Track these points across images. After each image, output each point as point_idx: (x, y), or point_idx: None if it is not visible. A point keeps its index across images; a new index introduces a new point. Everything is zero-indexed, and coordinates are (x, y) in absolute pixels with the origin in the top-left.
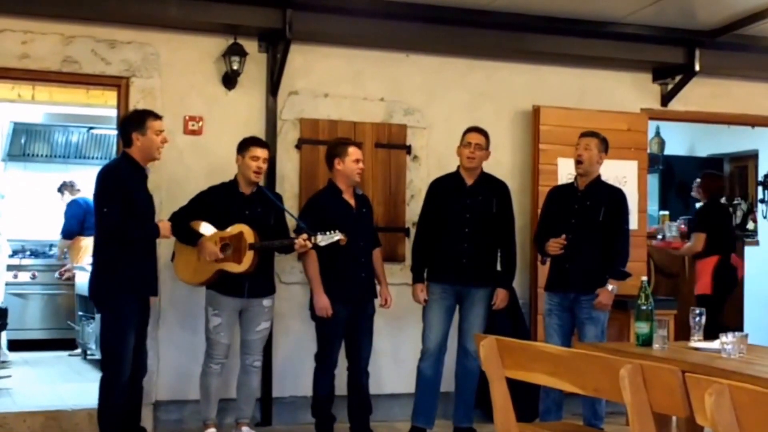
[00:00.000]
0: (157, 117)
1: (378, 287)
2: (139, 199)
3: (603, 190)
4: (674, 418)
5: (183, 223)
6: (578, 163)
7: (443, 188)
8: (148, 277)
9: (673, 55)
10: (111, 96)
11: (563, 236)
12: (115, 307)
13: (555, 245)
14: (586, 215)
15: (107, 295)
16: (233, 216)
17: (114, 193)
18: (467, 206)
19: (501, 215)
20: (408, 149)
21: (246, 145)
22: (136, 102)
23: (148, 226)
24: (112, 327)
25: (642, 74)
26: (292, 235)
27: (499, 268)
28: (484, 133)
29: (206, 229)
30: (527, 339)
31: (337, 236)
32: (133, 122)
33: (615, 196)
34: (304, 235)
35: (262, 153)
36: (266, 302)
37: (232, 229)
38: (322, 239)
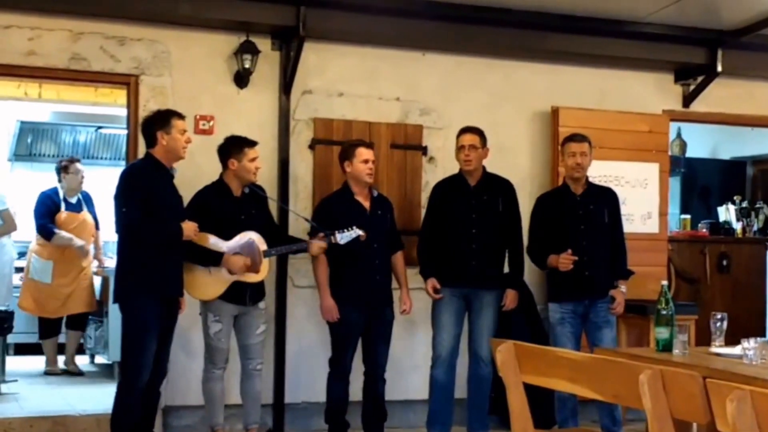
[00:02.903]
0: (181, 116)
1: (399, 292)
2: (161, 200)
3: (600, 192)
4: (694, 425)
5: (191, 242)
6: (576, 169)
7: (447, 191)
8: (171, 278)
9: (695, 56)
10: (120, 94)
11: (569, 251)
12: (135, 309)
13: (566, 261)
14: (594, 220)
15: (126, 297)
16: (228, 220)
17: (133, 193)
18: (472, 207)
19: (507, 214)
20: (424, 150)
21: (239, 146)
22: (146, 101)
23: (169, 227)
24: (131, 329)
25: (663, 75)
26: (304, 236)
27: (506, 268)
28: (477, 132)
29: (216, 244)
30: (546, 345)
31: (356, 232)
32: (157, 122)
33: (613, 197)
34: (321, 235)
35: (257, 152)
36: (262, 305)
37: (240, 238)
38: (341, 237)
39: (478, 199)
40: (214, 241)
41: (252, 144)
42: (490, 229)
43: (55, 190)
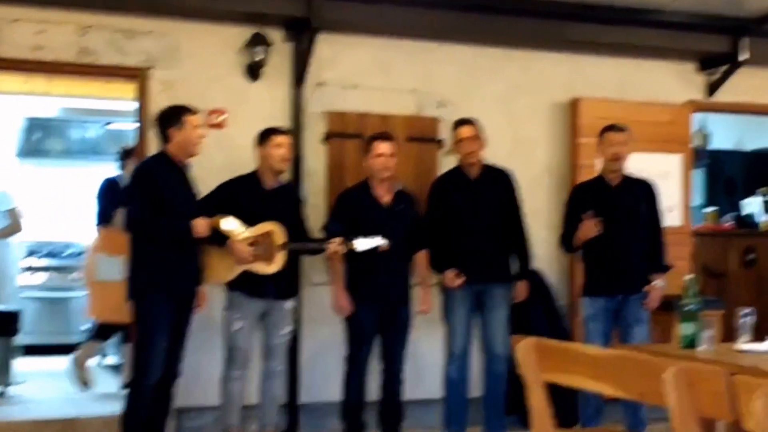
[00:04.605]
0: (194, 112)
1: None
2: (173, 197)
3: (636, 184)
4: (719, 423)
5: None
6: (615, 160)
7: (448, 186)
8: (183, 275)
9: (718, 44)
10: (128, 89)
11: (590, 213)
12: (145, 307)
13: (590, 227)
14: (629, 212)
15: (137, 295)
16: (256, 212)
17: (141, 190)
18: (477, 201)
19: (510, 205)
20: (440, 143)
21: (266, 134)
22: (156, 94)
23: (179, 224)
24: (142, 328)
25: (686, 64)
26: (320, 235)
27: (513, 259)
28: (472, 123)
29: (230, 224)
30: (566, 340)
31: (376, 242)
32: (170, 118)
33: (650, 189)
34: (339, 239)
35: (284, 140)
36: (288, 305)
37: (261, 227)
38: (359, 244)
39: (482, 191)
40: (227, 226)
41: (278, 131)
42: (496, 221)
43: (116, 178)
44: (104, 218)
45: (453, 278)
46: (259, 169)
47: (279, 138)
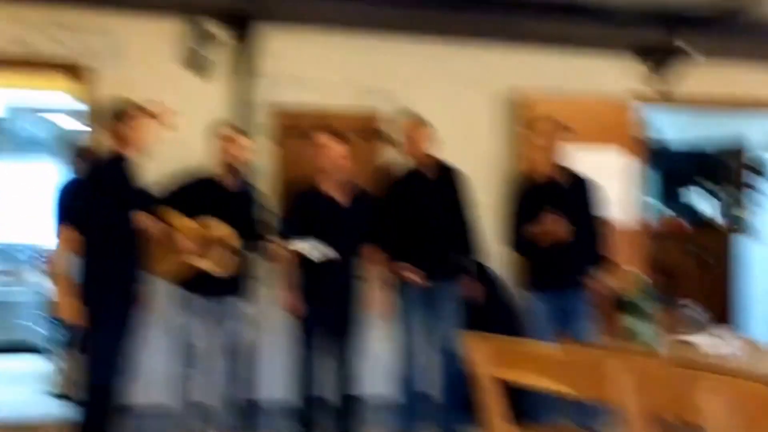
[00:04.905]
0: (145, 110)
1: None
2: (124, 196)
3: (573, 178)
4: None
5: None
6: (546, 151)
7: (399, 183)
8: (135, 276)
9: (660, 36)
10: (70, 85)
11: (547, 211)
12: (97, 308)
13: (556, 225)
14: (567, 206)
15: (89, 295)
16: (214, 210)
17: (92, 189)
18: (430, 198)
19: (459, 202)
20: (387, 138)
21: (222, 132)
22: (96, 90)
23: (129, 223)
24: (94, 329)
25: (629, 56)
26: (272, 237)
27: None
28: (420, 118)
29: (178, 219)
30: (521, 336)
31: (320, 248)
32: (121, 116)
33: (586, 183)
34: (279, 240)
35: (239, 138)
36: (242, 305)
37: (211, 226)
38: (297, 245)
39: (432, 189)
40: (179, 218)
41: (233, 128)
42: (449, 218)
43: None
44: (68, 217)
45: (409, 272)
46: (218, 167)
47: (233, 135)
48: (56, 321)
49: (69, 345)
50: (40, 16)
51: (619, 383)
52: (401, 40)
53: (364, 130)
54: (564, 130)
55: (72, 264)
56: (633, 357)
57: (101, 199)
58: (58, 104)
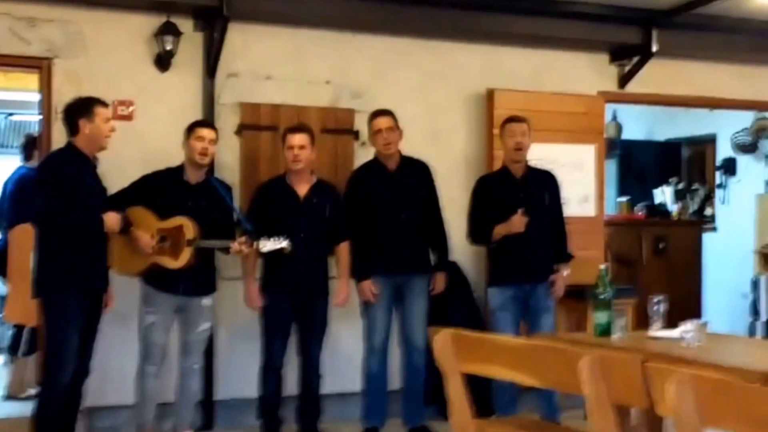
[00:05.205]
0: (105, 104)
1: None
2: (81, 190)
3: (540, 175)
4: (633, 410)
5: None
6: (517, 150)
7: (367, 178)
8: (94, 272)
9: (630, 36)
10: (32, 79)
11: (519, 211)
12: (56, 305)
13: (520, 222)
14: (534, 203)
15: (47, 292)
16: (176, 206)
17: (49, 183)
18: (396, 193)
19: (428, 197)
20: (356, 135)
21: (191, 126)
22: (60, 85)
23: (89, 218)
24: (52, 327)
25: (599, 55)
26: (238, 233)
27: (431, 251)
28: (390, 114)
29: (143, 216)
30: (484, 331)
31: (280, 244)
32: (80, 109)
33: (553, 180)
34: (243, 239)
35: (208, 134)
36: (206, 301)
37: (172, 221)
38: (264, 245)
39: (400, 184)
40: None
41: (203, 124)
42: (414, 213)
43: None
44: (24, 213)
45: (368, 290)
46: (185, 163)
47: (202, 130)
48: (6, 322)
49: (17, 346)
50: (1, 10)
51: (583, 374)
52: (370, 37)
53: (332, 126)
54: (532, 127)
55: (28, 262)
56: (596, 348)
57: (59, 194)
58: (16, 98)
